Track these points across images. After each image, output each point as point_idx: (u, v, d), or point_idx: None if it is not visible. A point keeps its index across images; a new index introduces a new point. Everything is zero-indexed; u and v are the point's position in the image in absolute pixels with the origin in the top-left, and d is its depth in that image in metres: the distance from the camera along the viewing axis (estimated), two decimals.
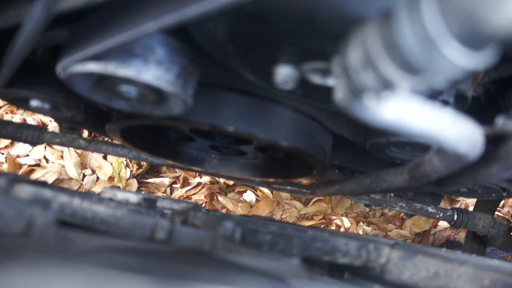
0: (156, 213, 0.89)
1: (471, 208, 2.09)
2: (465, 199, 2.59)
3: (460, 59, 0.34)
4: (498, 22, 0.30)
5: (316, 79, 0.71)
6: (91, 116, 1.25)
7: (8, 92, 1.00)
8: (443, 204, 2.54)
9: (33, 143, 1.49)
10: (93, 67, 0.72)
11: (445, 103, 0.95)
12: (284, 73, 0.69)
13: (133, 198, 1.12)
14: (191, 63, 0.78)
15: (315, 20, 0.57)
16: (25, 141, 1.48)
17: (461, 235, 2.49)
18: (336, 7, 0.56)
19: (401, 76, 0.37)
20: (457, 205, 2.56)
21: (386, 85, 0.39)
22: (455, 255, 0.79)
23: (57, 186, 0.85)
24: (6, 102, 1.08)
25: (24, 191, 0.77)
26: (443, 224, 2.49)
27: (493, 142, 0.65)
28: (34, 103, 1.02)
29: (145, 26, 0.57)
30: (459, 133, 0.53)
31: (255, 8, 0.58)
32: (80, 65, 0.72)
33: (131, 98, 0.83)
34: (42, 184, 0.83)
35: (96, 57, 0.72)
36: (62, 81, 0.82)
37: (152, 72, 0.73)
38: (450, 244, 2.56)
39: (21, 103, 1.07)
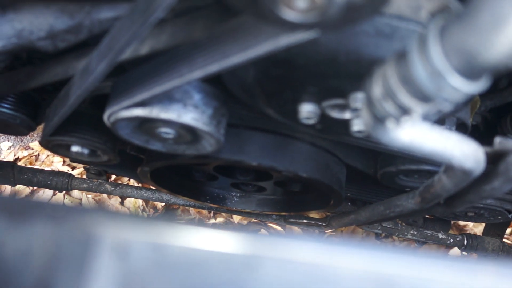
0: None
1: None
2: (473, 228, 2.65)
3: (462, 87, 0.44)
4: (489, 58, 0.41)
5: (335, 113, 0.81)
6: (122, 160, 1.35)
7: (51, 140, 1.10)
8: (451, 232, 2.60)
9: (63, 190, 1.58)
10: (139, 112, 0.82)
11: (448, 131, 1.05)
12: (307, 111, 0.79)
13: None
14: (222, 105, 0.89)
15: (336, 62, 0.68)
16: (55, 188, 1.57)
17: None
18: (353, 50, 0.67)
19: (416, 103, 0.47)
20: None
21: (405, 112, 0.49)
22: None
23: None
24: (47, 150, 1.18)
25: None
26: (453, 252, 2.54)
27: (493, 160, 0.74)
28: (74, 149, 1.12)
29: (192, 75, 0.68)
30: (464, 150, 0.63)
31: (284, 54, 0.69)
32: (127, 110, 0.83)
33: (168, 139, 0.92)
34: None
35: (142, 104, 0.82)
36: (105, 128, 0.92)
37: (190, 114, 0.83)
38: None
39: (61, 150, 1.17)
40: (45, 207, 0.31)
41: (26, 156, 2.72)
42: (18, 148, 2.81)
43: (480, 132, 1.29)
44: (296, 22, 0.46)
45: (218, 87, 0.88)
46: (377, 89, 0.50)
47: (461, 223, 2.62)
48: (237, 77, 0.83)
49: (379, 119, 0.52)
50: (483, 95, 1.18)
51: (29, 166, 2.69)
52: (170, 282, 0.31)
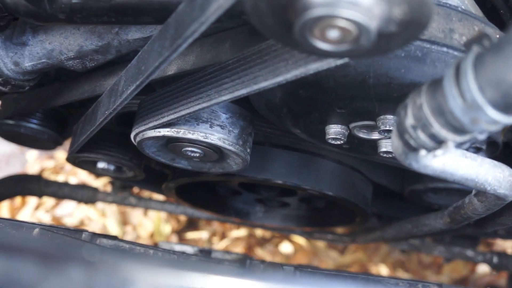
0: (214, 261, 0.97)
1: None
2: (502, 243, 2.59)
3: (498, 119, 0.43)
4: None
5: (363, 134, 0.80)
6: (146, 175, 1.36)
7: (78, 157, 1.12)
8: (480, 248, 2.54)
9: (88, 202, 1.60)
10: (166, 132, 0.82)
11: (478, 149, 1.03)
12: (334, 132, 0.78)
13: (189, 250, 1.21)
14: (249, 124, 0.88)
15: (365, 85, 0.67)
16: (80, 200, 1.59)
17: (502, 281, 2.47)
18: (383, 73, 0.66)
19: (450, 135, 0.46)
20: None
21: (438, 142, 0.48)
22: None
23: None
24: (75, 166, 1.19)
25: (104, 243, 0.86)
26: (482, 269, 2.48)
27: None
28: (101, 165, 1.13)
29: (220, 98, 0.68)
30: (497, 177, 0.61)
31: (313, 76, 0.69)
32: (154, 130, 0.83)
33: (194, 158, 0.92)
34: (115, 237, 0.92)
35: (169, 124, 0.82)
36: (131, 144, 0.92)
37: (217, 135, 0.83)
38: None
39: (88, 166, 1.18)
40: (80, 249, 0.31)
41: (51, 167, 2.76)
42: (44, 159, 2.86)
43: (511, 149, 1.25)
44: (329, 51, 0.46)
45: (244, 106, 0.88)
46: (410, 118, 0.49)
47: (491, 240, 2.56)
48: (263, 97, 0.82)
49: (411, 147, 0.51)
50: None
51: (54, 177, 2.73)
52: None
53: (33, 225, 0.79)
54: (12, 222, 0.78)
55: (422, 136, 0.48)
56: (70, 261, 0.29)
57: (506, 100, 0.41)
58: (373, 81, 0.66)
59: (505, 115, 0.43)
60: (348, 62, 0.66)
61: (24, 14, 0.73)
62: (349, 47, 0.45)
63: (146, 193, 2.43)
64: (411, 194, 1.25)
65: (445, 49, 0.63)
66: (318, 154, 1.08)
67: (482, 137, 0.48)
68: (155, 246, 1.06)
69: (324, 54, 0.47)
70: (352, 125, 0.78)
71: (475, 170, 0.60)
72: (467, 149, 1.03)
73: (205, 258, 1.04)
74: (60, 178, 2.74)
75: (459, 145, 0.50)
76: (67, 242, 0.66)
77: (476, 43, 0.45)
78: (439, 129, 0.46)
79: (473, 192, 0.78)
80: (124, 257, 0.31)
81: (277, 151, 1.06)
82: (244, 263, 1.01)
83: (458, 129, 0.46)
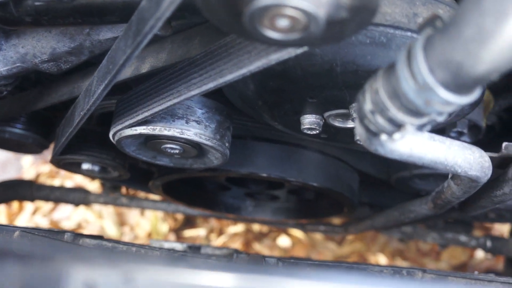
0: (202, 257, 0.97)
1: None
2: (500, 228, 2.59)
3: (451, 100, 0.43)
4: (474, 72, 0.39)
5: (338, 123, 0.80)
6: (133, 174, 1.36)
7: (62, 159, 1.12)
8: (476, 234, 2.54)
9: (80, 204, 1.60)
10: (142, 130, 0.82)
11: (460, 133, 1.03)
12: (309, 122, 0.78)
13: (179, 246, 1.21)
14: (226, 119, 0.88)
15: (333, 73, 0.67)
16: (72, 203, 1.59)
17: (501, 266, 2.47)
18: (349, 61, 0.66)
19: (407, 117, 0.46)
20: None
21: (397, 126, 0.48)
22: (483, 276, 0.84)
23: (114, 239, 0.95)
24: (60, 169, 1.20)
25: (87, 243, 0.86)
26: (481, 254, 2.48)
27: (501, 165, 0.72)
28: (85, 166, 1.13)
29: (189, 93, 0.68)
30: (467, 158, 0.61)
31: (281, 67, 0.69)
32: (130, 129, 0.83)
33: (175, 154, 0.92)
34: (99, 237, 0.92)
35: (144, 121, 0.82)
36: (113, 144, 0.92)
37: (193, 130, 0.83)
38: (493, 273, 2.53)
39: (73, 168, 1.18)
40: (12, 244, 0.31)
41: (47, 172, 2.77)
42: (39, 164, 2.86)
43: (495, 132, 1.25)
44: (281, 40, 0.46)
45: (221, 101, 0.88)
46: (368, 103, 0.49)
47: (488, 224, 2.56)
48: (237, 91, 0.82)
49: (371, 132, 0.51)
50: (496, 95, 1.15)
51: (50, 181, 2.73)
52: None
53: (14, 228, 0.79)
54: None
55: (380, 121, 0.48)
56: (4, 255, 0.30)
57: (456, 80, 0.41)
58: (340, 69, 0.66)
59: (457, 96, 0.43)
60: (314, 51, 0.66)
61: None
62: (299, 35, 0.45)
63: (142, 193, 2.43)
64: (398, 181, 1.25)
65: (409, 33, 0.63)
66: (301, 145, 1.08)
67: (441, 119, 0.48)
68: (144, 245, 1.06)
69: (275, 43, 0.47)
70: (326, 114, 0.78)
71: (444, 153, 0.60)
72: (449, 133, 1.03)
73: (191, 254, 1.04)
74: (56, 182, 2.74)
75: (420, 128, 0.50)
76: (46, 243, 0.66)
77: (429, 26, 0.45)
78: (395, 113, 0.46)
79: (450, 175, 0.79)
80: (58, 249, 0.31)
81: (259, 144, 1.06)
82: (231, 257, 1.02)
83: (414, 112, 0.46)
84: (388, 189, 1.47)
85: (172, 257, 0.35)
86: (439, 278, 0.77)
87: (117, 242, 0.88)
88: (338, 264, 0.84)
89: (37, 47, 0.84)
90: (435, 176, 1.22)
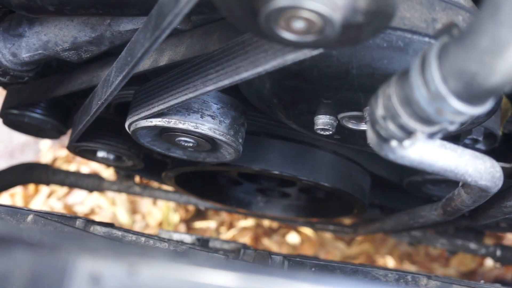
0: (210, 251, 0.98)
1: None
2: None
3: (463, 110, 0.43)
4: (488, 83, 0.40)
5: (351, 125, 0.80)
6: (147, 164, 1.37)
7: (78, 146, 1.14)
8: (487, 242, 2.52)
9: (93, 191, 1.62)
10: (158, 122, 0.83)
11: (475, 141, 1.02)
12: (322, 122, 0.79)
13: (188, 238, 1.22)
14: (240, 115, 0.89)
15: (348, 76, 0.67)
16: (86, 188, 1.62)
17: (511, 275, 2.45)
18: (366, 64, 0.66)
19: (418, 125, 0.47)
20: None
21: (407, 133, 0.48)
22: (489, 286, 0.84)
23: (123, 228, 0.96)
24: (76, 155, 1.22)
25: (98, 230, 0.88)
26: (490, 263, 2.46)
27: None
28: (100, 154, 1.15)
29: (205, 88, 0.69)
30: (478, 167, 0.61)
31: (297, 66, 0.69)
32: (146, 120, 0.84)
33: (188, 148, 0.94)
34: (111, 224, 0.94)
35: (160, 114, 0.83)
36: (129, 134, 0.94)
37: (208, 125, 0.84)
38: (501, 283, 2.51)
39: (88, 155, 1.20)
40: (22, 232, 0.32)
41: (64, 156, 2.81)
42: (57, 148, 2.90)
43: None
44: (296, 42, 0.46)
45: (237, 97, 0.89)
46: (380, 108, 0.49)
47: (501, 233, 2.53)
48: (253, 88, 0.83)
49: (382, 137, 0.51)
50: None
51: (66, 166, 2.77)
52: None
53: (28, 211, 0.81)
54: (7, 208, 0.80)
55: (391, 127, 0.49)
56: (14, 243, 0.31)
57: (469, 91, 0.41)
58: (356, 71, 0.66)
59: (469, 106, 0.43)
60: (331, 53, 0.66)
61: (16, 7, 0.74)
62: (315, 37, 0.45)
63: (155, 183, 2.46)
64: (410, 185, 1.25)
65: (427, 39, 0.63)
66: (314, 145, 1.08)
67: (452, 128, 0.48)
68: (153, 235, 1.08)
69: (290, 44, 0.48)
70: (340, 115, 0.78)
71: (455, 161, 0.60)
72: (463, 141, 1.03)
73: (200, 248, 1.05)
74: (72, 167, 2.78)
75: (431, 136, 0.50)
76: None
77: (446, 33, 0.45)
78: (407, 120, 0.47)
79: (460, 183, 0.78)
80: (65, 238, 0.32)
81: (273, 141, 1.06)
82: (239, 252, 1.03)
83: (425, 120, 0.46)
84: (400, 192, 1.46)
85: (176, 253, 0.35)
86: (443, 285, 0.77)
87: (127, 231, 0.89)
88: (344, 266, 0.84)
89: (59, 36, 0.86)
90: (447, 182, 1.21)
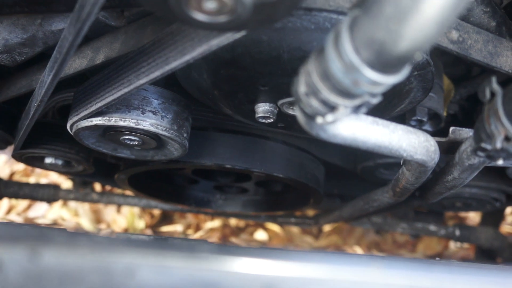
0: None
1: None
2: (473, 218, 2.63)
3: (378, 80, 0.43)
4: (397, 50, 0.40)
5: (292, 111, 0.81)
6: (101, 169, 1.35)
7: (23, 153, 1.11)
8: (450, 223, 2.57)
9: (50, 201, 1.59)
10: (98, 121, 0.82)
11: (420, 122, 1.04)
12: (263, 110, 0.79)
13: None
14: (184, 109, 0.88)
15: (280, 60, 0.68)
16: (41, 199, 1.58)
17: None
18: (296, 47, 0.66)
19: (339, 99, 0.47)
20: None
21: (331, 108, 0.49)
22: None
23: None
24: (22, 163, 1.18)
25: None
26: (456, 245, 2.51)
27: (449, 150, 0.73)
28: (48, 160, 1.12)
29: (138, 82, 0.68)
30: (412, 142, 0.62)
31: (230, 54, 0.69)
32: (86, 120, 0.83)
33: (134, 146, 0.92)
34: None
35: (100, 113, 0.82)
36: (72, 137, 0.92)
37: (149, 120, 0.83)
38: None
39: (36, 162, 1.17)
40: None
41: (21, 170, 2.74)
42: (13, 162, 2.83)
43: (458, 121, 1.27)
44: (209, 23, 0.46)
45: (179, 92, 0.88)
46: (302, 85, 0.49)
47: (462, 214, 2.60)
48: (193, 81, 0.82)
49: (307, 115, 0.51)
50: (457, 84, 1.17)
51: (25, 179, 2.70)
52: None
53: None
54: None
55: (314, 103, 0.49)
56: None
57: (380, 59, 0.42)
58: (287, 55, 0.67)
59: (384, 75, 0.44)
60: (261, 38, 0.66)
61: None
62: (228, 18, 0.45)
63: (119, 190, 2.42)
64: (363, 171, 1.26)
65: None
66: (264, 136, 1.08)
67: (374, 101, 0.49)
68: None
69: (203, 26, 0.48)
70: (280, 102, 0.78)
71: (388, 137, 0.60)
72: (409, 122, 1.04)
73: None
74: (31, 180, 2.71)
75: (355, 110, 0.51)
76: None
77: (358, 7, 0.45)
78: (327, 94, 0.47)
79: (402, 161, 0.79)
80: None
81: (222, 135, 1.06)
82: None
83: (345, 93, 0.46)
84: (358, 180, 1.48)
85: (77, 234, 0.35)
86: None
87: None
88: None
89: None
90: (400, 165, 1.23)
